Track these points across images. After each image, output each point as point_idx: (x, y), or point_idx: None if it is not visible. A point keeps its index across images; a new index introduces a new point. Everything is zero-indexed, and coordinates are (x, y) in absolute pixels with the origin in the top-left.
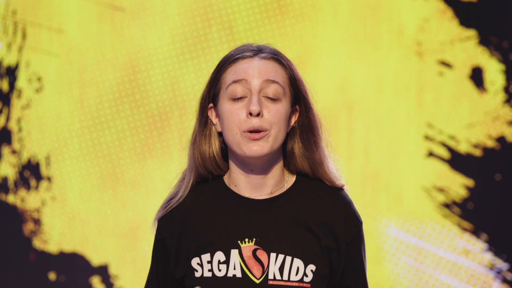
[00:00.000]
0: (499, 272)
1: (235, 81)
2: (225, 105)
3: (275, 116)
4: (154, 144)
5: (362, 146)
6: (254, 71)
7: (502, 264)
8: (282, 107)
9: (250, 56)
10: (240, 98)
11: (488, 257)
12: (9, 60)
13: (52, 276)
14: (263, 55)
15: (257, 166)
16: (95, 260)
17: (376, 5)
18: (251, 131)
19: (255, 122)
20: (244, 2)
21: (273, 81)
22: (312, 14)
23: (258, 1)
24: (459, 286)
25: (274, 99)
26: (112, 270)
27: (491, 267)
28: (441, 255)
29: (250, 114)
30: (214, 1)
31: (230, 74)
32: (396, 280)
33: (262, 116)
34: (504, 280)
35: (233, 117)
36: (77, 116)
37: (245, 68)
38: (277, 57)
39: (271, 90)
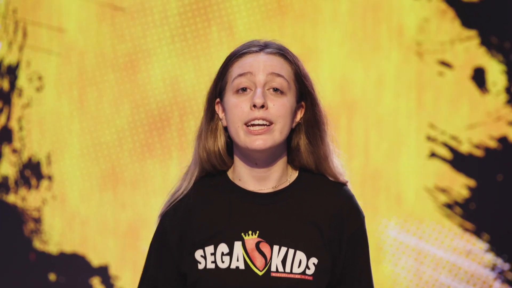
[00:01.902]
0: (500, 272)
1: (240, 75)
2: (230, 98)
3: (280, 109)
4: (154, 144)
5: (362, 146)
6: (260, 65)
7: (503, 265)
8: (287, 101)
9: (256, 51)
10: (245, 91)
11: (489, 257)
12: (10, 59)
13: (52, 277)
14: (269, 50)
15: (261, 160)
16: (95, 260)
17: (376, 5)
18: (253, 125)
19: (257, 114)
20: (244, 2)
21: (278, 75)
22: (312, 14)
23: (258, 1)
24: (459, 287)
25: (279, 93)
26: (112, 271)
27: (492, 268)
28: (441, 255)
29: (254, 106)
30: (214, 1)
31: (236, 68)
32: (396, 280)
33: (266, 108)
34: (505, 281)
35: (237, 109)
36: (77, 116)
37: (251, 62)
38: (282, 52)
39: (276, 83)
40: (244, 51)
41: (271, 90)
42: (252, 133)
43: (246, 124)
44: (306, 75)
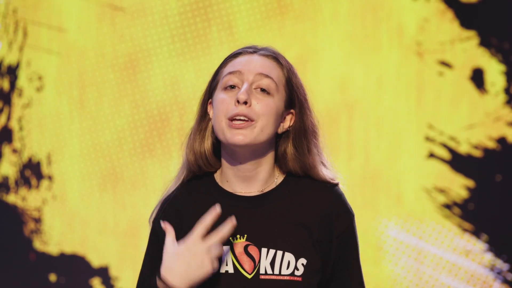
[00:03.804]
0: (499, 272)
1: (230, 72)
2: (218, 94)
3: (264, 108)
4: (154, 144)
5: (362, 146)
6: (250, 64)
7: (502, 265)
8: (273, 102)
9: (251, 52)
10: (233, 88)
11: (488, 257)
12: (10, 59)
13: (52, 277)
14: (263, 52)
15: (244, 157)
16: (96, 261)
17: (376, 5)
18: (234, 119)
19: (240, 110)
20: (244, 2)
21: (267, 76)
22: (312, 14)
23: (258, 1)
24: (459, 287)
25: (265, 93)
26: (113, 272)
27: (492, 268)
28: (441, 255)
29: (238, 102)
30: (214, 1)
31: (228, 67)
32: (396, 280)
33: (250, 105)
34: (505, 281)
35: (222, 104)
36: (77, 116)
37: (242, 62)
38: (276, 57)
39: (263, 83)
40: (239, 51)
41: (258, 89)
42: (233, 126)
43: (229, 119)
44: (299, 84)
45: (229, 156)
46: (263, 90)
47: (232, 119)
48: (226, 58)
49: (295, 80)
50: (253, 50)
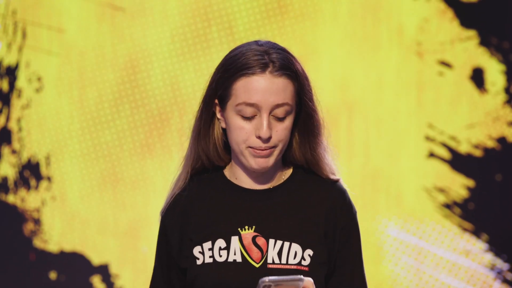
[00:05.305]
0: (499, 272)
1: (246, 104)
2: (234, 118)
3: (282, 133)
4: (154, 144)
5: (362, 146)
6: (265, 95)
7: (502, 265)
8: (289, 122)
9: (261, 72)
10: (249, 117)
11: (489, 257)
12: (9, 59)
13: (52, 275)
14: (275, 72)
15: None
16: (96, 259)
17: (376, 5)
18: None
19: (262, 144)
20: (244, 2)
21: (283, 104)
22: (312, 14)
23: (258, 1)
24: (459, 286)
25: (282, 118)
26: (113, 270)
27: (492, 268)
28: (441, 255)
29: (260, 137)
30: (214, 1)
31: (242, 91)
32: (396, 280)
33: (271, 137)
34: (505, 281)
35: (242, 133)
36: (77, 116)
37: (257, 90)
38: (287, 72)
39: (281, 111)
40: (249, 70)
41: (275, 116)
42: (257, 154)
43: (250, 147)
44: (305, 82)
45: (242, 165)
46: (280, 117)
47: (254, 148)
48: (234, 70)
49: (303, 80)
50: (263, 66)
